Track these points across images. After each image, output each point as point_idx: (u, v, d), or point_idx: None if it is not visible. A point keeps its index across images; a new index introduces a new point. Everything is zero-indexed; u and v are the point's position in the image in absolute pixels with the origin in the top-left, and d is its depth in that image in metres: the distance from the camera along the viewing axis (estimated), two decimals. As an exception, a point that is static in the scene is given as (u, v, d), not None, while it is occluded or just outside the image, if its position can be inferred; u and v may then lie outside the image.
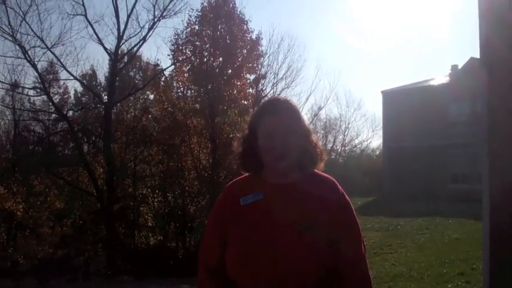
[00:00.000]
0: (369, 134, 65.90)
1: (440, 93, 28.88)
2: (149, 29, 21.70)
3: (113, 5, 21.37)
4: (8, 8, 19.82)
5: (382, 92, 33.76)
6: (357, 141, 50.70)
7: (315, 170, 2.31)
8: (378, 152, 46.28)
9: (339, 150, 49.69)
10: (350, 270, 2.15)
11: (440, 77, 33.21)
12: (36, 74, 22.35)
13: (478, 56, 2.52)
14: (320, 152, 2.33)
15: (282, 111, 2.25)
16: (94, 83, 30.43)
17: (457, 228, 17.39)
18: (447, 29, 53.77)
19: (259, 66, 24.97)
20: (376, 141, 57.45)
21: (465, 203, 20.45)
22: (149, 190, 23.05)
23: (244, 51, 23.36)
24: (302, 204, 2.15)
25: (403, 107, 30.15)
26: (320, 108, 42.06)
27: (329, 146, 48.28)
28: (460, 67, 30.25)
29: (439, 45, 62.85)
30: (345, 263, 2.13)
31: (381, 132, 38.07)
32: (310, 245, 2.07)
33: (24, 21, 20.20)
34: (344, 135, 49.42)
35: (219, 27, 22.90)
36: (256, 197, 2.24)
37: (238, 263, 2.16)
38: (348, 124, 48.77)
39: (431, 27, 58.77)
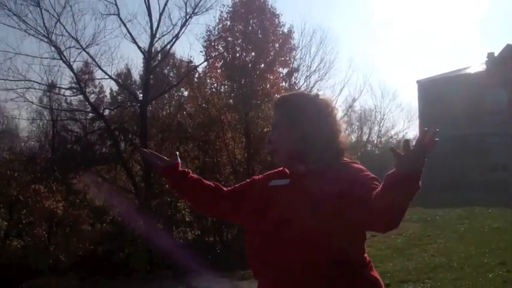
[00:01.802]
0: (404, 124, 65.04)
1: (476, 82, 28.48)
2: (181, 26, 21.84)
3: (145, 4, 21.58)
4: (42, 10, 20.14)
5: (417, 81, 33.46)
6: (392, 132, 50.07)
7: (346, 160, 2.34)
8: (414, 143, 45.71)
9: (375, 141, 49.29)
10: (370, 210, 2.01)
11: (476, 65, 32.75)
12: (72, 74, 22.66)
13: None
14: (338, 145, 2.35)
15: (274, 107, 2.44)
16: (129, 81, 30.71)
17: (497, 217, 17.18)
18: (482, 16, 52.95)
19: (292, 60, 24.99)
20: (412, 132, 56.60)
21: (504, 192, 20.18)
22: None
23: (277, 45, 23.34)
24: (319, 187, 2.16)
25: (439, 96, 29.80)
26: (354, 100, 41.68)
27: (364, 137, 47.97)
28: (496, 55, 29.76)
29: (475, 33, 61.84)
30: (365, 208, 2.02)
31: (417, 123, 37.72)
32: (316, 225, 2.08)
33: (58, 23, 20.49)
34: (380, 126, 48.97)
35: (251, 22, 22.91)
36: (283, 182, 2.35)
37: (249, 241, 2.39)
38: (383, 115, 48.29)
39: (466, 14, 57.87)
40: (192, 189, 2.72)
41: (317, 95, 2.42)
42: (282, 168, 2.45)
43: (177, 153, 2.80)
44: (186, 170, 2.73)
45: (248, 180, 2.66)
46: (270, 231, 2.21)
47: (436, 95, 30.44)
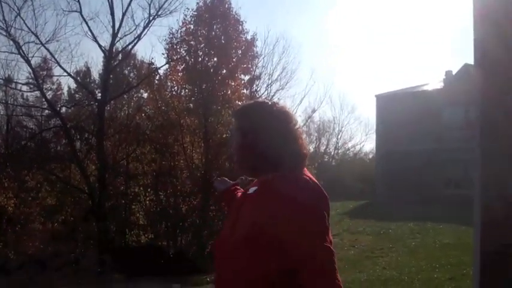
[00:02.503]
0: (362, 137, 66.00)
1: (434, 98, 28.93)
2: (144, 28, 21.68)
3: (108, 3, 21.36)
4: (2, 3, 19.78)
5: (376, 95, 33.82)
6: (350, 145, 50.75)
7: (301, 170, 2.24)
8: (371, 156, 46.30)
9: (332, 153, 49.77)
10: (306, 268, 1.95)
11: (434, 82, 33.30)
12: (29, 70, 22.30)
13: (472, 62, 2.52)
14: (302, 153, 2.29)
15: (238, 117, 2.39)
16: (88, 80, 30.33)
17: (449, 233, 17.44)
18: (442, 35, 54.05)
19: (254, 67, 25.02)
20: (369, 145, 57.38)
21: (458, 208, 20.47)
22: (141, 188, 22.99)
23: (239, 51, 23.38)
24: (259, 206, 2.13)
25: (397, 111, 30.15)
26: (314, 111, 42.13)
27: (322, 148, 48.38)
28: (454, 73, 30.35)
29: (434, 51, 63.06)
30: (299, 262, 1.96)
31: (374, 136, 38.14)
32: (247, 248, 2.06)
33: (18, 17, 20.15)
34: (337, 138, 49.50)
35: (214, 27, 22.90)
36: (251, 191, 2.29)
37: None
38: (342, 127, 48.83)
39: (425, 32, 59.03)
40: None
41: (275, 103, 2.36)
42: None
43: (242, 178, 2.78)
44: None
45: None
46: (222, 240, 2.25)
47: (394, 109, 30.80)
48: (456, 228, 17.97)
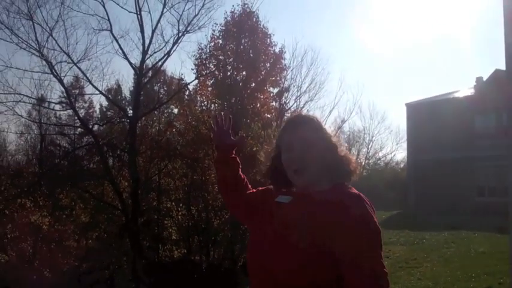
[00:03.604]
0: (393, 146, 65.42)
1: (465, 106, 28.62)
2: (173, 44, 21.85)
3: (138, 20, 21.60)
4: (35, 24, 20.12)
5: (406, 104, 33.54)
6: (381, 154, 50.36)
7: (346, 184, 2.31)
8: (402, 165, 45.92)
9: (363, 163, 49.37)
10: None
11: (465, 89, 32.94)
12: (62, 89, 22.64)
13: (503, 67, 2.50)
14: (349, 165, 2.34)
15: (300, 125, 2.34)
16: (119, 97, 30.74)
17: (483, 241, 17.16)
18: (472, 41, 53.40)
19: (283, 80, 25.05)
20: (400, 154, 56.79)
21: (491, 216, 20.19)
22: (173, 203, 23.09)
23: (268, 64, 23.45)
24: (315, 215, 2.15)
25: (428, 119, 29.92)
26: (344, 121, 41.90)
27: (353, 159, 47.98)
28: (485, 79, 29.99)
29: (464, 57, 62.36)
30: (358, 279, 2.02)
31: (405, 145, 37.84)
32: (303, 255, 2.07)
33: (51, 37, 20.47)
34: (368, 148, 49.18)
35: (243, 41, 23.02)
36: (287, 200, 2.33)
37: (248, 257, 2.34)
38: (372, 137, 48.54)
39: (456, 39, 58.38)
40: (227, 176, 2.77)
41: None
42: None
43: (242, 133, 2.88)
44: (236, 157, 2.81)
45: (261, 188, 2.65)
46: (267, 248, 2.22)
47: (424, 118, 30.57)
48: (491, 236, 17.70)
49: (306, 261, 2.07)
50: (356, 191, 2.25)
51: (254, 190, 2.71)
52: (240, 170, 2.78)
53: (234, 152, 2.77)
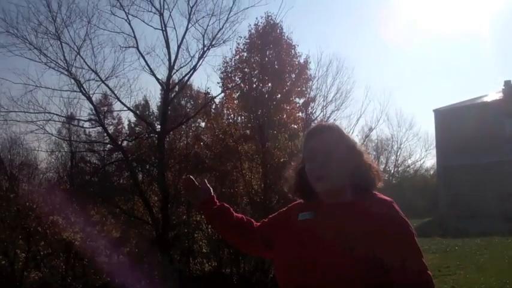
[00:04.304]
0: (422, 153, 64.80)
1: (494, 110, 28.32)
2: (199, 58, 22.00)
3: (164, 37, 21.81)
4: (63, 43, 20.44)
5: (434, 110, 33.29)
6: (410, 162, 50.02)
7: (374, 192, 2.33)
8: (432, 172, 45.47)
9: (392, 171, 49.07)
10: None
11: (493, 93, 32.61)
12: (91, 106, 22.92)
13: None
14: (375, 173, 2.37)
15: (321, 134, 2.39)
16: (147, 112, 30.98)
17: (517, 248, 16.92)
18: (499, 44, 52.92)
19: (308, 90, 25.04)
20: (429, 161, 56.27)
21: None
22: (203, 217, 23.13)
23: (293, 75, 23.50)
24: (351, 224, 2.17)
25: (456, 125, 29.66)
26: (371, 130, 41.53)
27: (381, 167, 47.64)
28: (513, 82, 29.69)
29: (492, 61, 61.72)
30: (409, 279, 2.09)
31: (434, 152, 37.52)
32: (352, 264, 2.07)
33: (78, 56, 20.75)
34: (396, 156, 48.90)
35: (267, 53, 23.11)
36: (310, 215, 2.35)
37: (285, 278, 2.29)
38: (400, 144, 48.27)
39: (482, 42, 57.86)
40: (223, 228, 2.87)
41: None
42: (300, 200, 2.50)
43: (205, 180, 2.95)
44: (220, 205, 2.86)
45: (275, 214, 2.67)
46: (308, 268, 2.19)
47: (453, 123, 30.31)
48: (525, 242, 17.47)
49: (359, 268, 2.07)
50: (387, 197, 2.29)
51: (264, 221, 2.73)
52: (231, 213, 2.82)
53: (215, 202, 2.86)
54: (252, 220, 2.81)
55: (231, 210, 2.84)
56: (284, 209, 2.61)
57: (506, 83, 31.00)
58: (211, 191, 2.90)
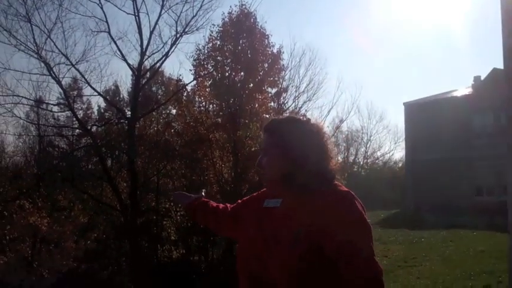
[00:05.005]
0: (391, 146, 65.30)
1: (463, 105, 28.63)
2: (172, 45, 21.82)
3: (136, 22, 21.59)
4: (33, 26, 20.08)
5: (404, 103, 33.57)
6: (379, 154, 50.47)
7: (335, 183, 2.32)
8: (400, 164, 45.90)
9: (361, 162, 49.47)
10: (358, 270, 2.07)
11: (462, 88, 32.98)
12: (60, 90, 22.62)
13: (501, 66, 2.51)
14: (332, 166, 2.36)
15: (263, 132, 2.47)
16: (117, 98, 30.72)
17: (482, 240, 17.22)
18: (470, 40, 53.51)
19: (281, 80, 25.05)
20: (398, 153, 56.66)
21: (490, 216, 20.25)
22: (172, 204, 23.14)
23: (266, 65, 23.44)
24: (302, 215, 2.19)
25: (426, 118, 29.95)
26: (342, 121, 41.76)
27: (351, 158, 48.16)
28: (482, 78, 30.04)
29: (461, 56, 62.44)
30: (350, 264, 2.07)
31: (403, 144, 37.87)
32: (298, 254, 2.10)
33: (49, 39, 20.42)
34: (366, 148, 49.26)
35: (240, 42, 23.02)
36: (275, 204, 2.36)
37: (238, 258, 2.38)
38: (370, 136, 48.64)
39: (453, 38, 58.45)
40: (202, 217, 2.97)
41: (309, 120, 2.43)
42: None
43: (204, 190, 3.11)
44: (203, 202, 2.96)
45: (245, 198, 2.73)
46: (259, 251, 2.24)
47: (422, 117, 30.58)
48: (490, 235, 17.76)
49: (299, 260, 2.10)
50: (345, 189, 2.28)
51: (238, 201, 2.79)
52: (211, 203, 2.94)
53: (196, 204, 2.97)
54: (227, 204, 2.88)
55: (210, 202, 2.95)
56: (256, 193, 2.63)
57: (476, 78, 31.38)
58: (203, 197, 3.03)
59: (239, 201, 2.77)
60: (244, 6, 22.90)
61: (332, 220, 2.11)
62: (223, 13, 23.31)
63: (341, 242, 2.06)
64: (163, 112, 28.29)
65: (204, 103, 24.81)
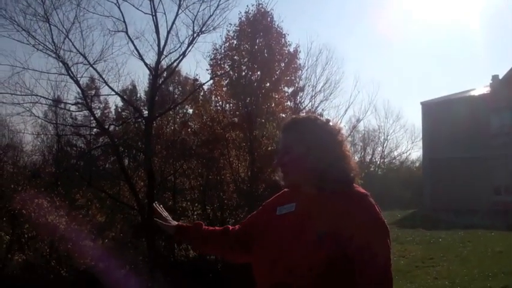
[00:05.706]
0: (408, 145, 65.01)
1: (481, 104, 28.44)
2: (188, 44, 21.83)
3: (153, 22, 21.63)
4: (51, 26, 20.20)
5: (422, 103, 33.40)
6: (396, 153, 50.23)
7: (353, 184, 2.32)
8: (417, 164, 45.70)
9: (378, 162, 49.30)
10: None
11: (480, 87, 32.76)
12: (78, 90, 22.71)
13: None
14: (352, 166, 2.35)
15: (284, 130, 2.43)
16: (134, 97, 30.85)
17: (500, 241, 17.09)
18: (488, 39, 53.18)
19: (297, 79, 25.00)
20: (415, 153, 56.50)
21: (508, 216, 20.12)
22: (189, 203, 23.19)
23: (282, 64, 23.45)
24: (323, 216, 2.19)
25: (443, 118, 29.79)
26: (359, 120, 41.66)
27: (368, 158, 48.01)
28: (500, 77, 29.81)
29: (479, 55, 62.04)
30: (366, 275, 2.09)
31: (420, 144, 37.72)
32: (318, 254, 2.10)
33: (67, 38, 20.52)
34: (383, 147, 49.10)
35: (257, 41, 23.05)
36: (289, 209, 2.36)
37: (257, 270, 2.35)
38: (387, 136, 48.47)
39: (471, 37, 58.15)
40: (202, 247, 2.96)
41: (328, 121, 2.42)
42: (285, 189, 2.50)
43: (156, 202, 3.08)
44: (192, 226, 2.83)
45: (255, 212, 2.66)
46: (276, 259, 2.23)
47: (440, 116, 30.42)
48: (508, 235, 17.64)
49: (327, 263, 2.09)
50: (363, 190, 2.28)
51: (243, 223, 2.73)
52: (203, 226, 2.79)
53: (187, 226, 2.86)
54: (228, 227, 2.77)
55: (203, 225, 2.80)
56: (262, 206, 2.61)
57: (494, 77, 31.15)
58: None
59: (244, 222, 2.72)
60: (261, 6, 22.96)
61: (352, 223, 2.11)
62: (240, 12, 23.38)
63: (359, 246, 2.07)
64: (180, 111, 28.36)
65: (220, 102, 24.88)
